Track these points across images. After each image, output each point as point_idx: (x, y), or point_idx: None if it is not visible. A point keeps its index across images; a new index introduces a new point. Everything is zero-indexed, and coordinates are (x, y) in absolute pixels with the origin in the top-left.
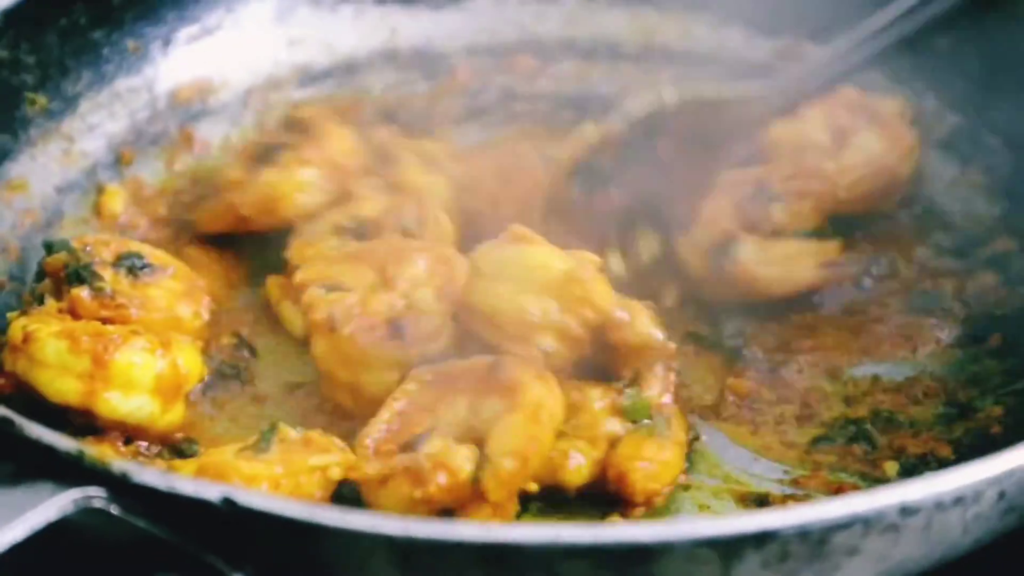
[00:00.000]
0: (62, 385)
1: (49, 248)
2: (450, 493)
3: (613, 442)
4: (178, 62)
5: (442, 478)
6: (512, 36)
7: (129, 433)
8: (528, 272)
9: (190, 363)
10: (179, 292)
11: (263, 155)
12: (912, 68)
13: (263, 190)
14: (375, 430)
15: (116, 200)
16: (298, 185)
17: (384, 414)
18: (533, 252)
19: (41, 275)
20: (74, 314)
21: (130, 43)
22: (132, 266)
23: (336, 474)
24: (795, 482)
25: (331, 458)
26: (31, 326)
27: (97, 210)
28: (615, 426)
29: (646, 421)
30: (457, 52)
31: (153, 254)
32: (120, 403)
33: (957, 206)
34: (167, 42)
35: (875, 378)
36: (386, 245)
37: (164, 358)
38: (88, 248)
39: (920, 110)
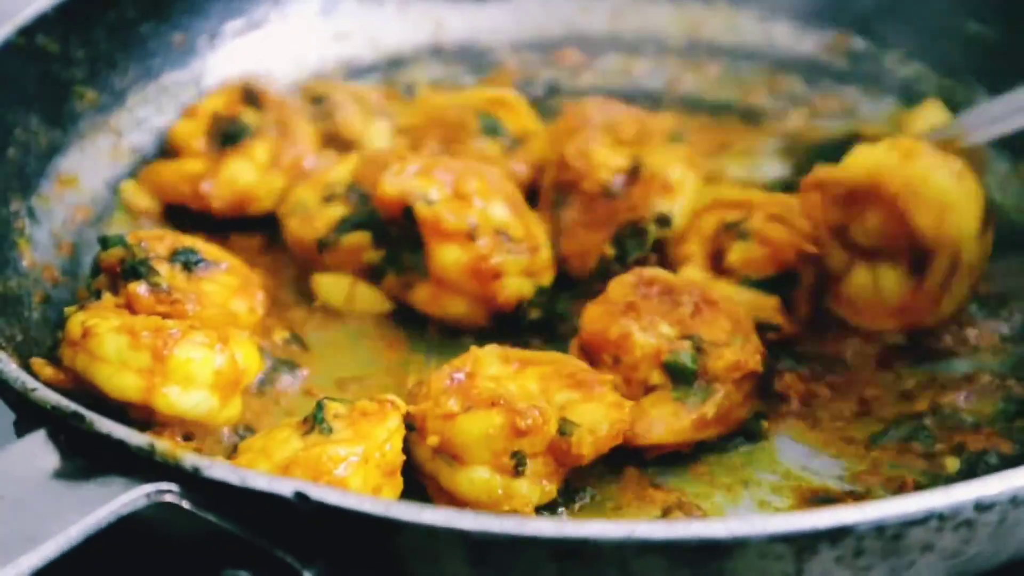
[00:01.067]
0: (121, 381)
1: (104, 243)
2: (535, 437)
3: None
4: (224, 56)
5: (532, 419)
6: (558, 30)
7: (187, 429)
8: None
9: (248, 358)
10: (234, 287)
11: (225, 135)
12: (962, 59)
13: (236, 189)
14: (447, 374)
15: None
16: (270, 190)
17: (452, 369)
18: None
19: (97, 270)
20: (131, 309)
21: (177, 37)
22: (187, 261)
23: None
24: (854, 478)
25: (394, 422)
26: (90, 321)
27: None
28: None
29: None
30: (503, 46)
31: (207, 249)
32: (179, 398)
33: (1011, 200)
34: (213, 36)
35: (932, 374)
36: (453, 161)
37: (223, 353)
38: (143, 244)
39: (971, 101)
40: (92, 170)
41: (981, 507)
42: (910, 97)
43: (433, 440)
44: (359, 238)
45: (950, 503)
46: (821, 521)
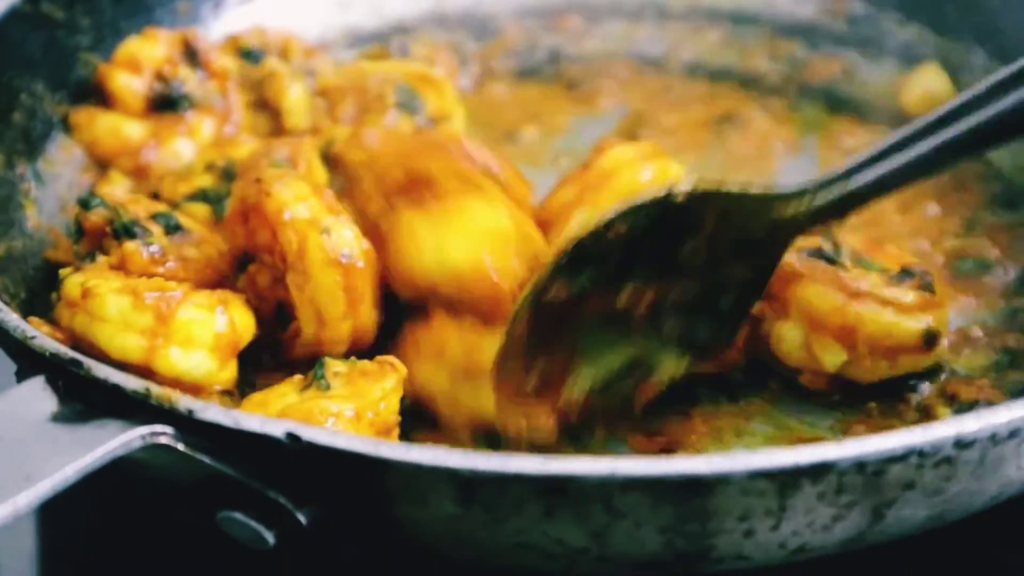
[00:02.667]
0: (123, 341)
1: (85, 204)
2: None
3: None
4: (228, 23)
5: None
6: None
7: (184, 391)
8: None
9: (244, 321)
10: (215, 254)
11: (165, 99)
12: (960, 21)
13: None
14: None
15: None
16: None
17: None
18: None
19: (80, 232)
20: (124, 269)
21: (181, 4)
22: (167, 225)
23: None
24: (848, 428)
25: (391, 382)
26: (90, 282)
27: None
28: None
29: None
30: (505, 13)
31: (182, 217)
32: (180, 360)
33: (1007, 159)
34: (217, 3)
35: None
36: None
37: (224, 315)
38: (123, 206)
39: (969, 63)
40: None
41: (961, 444)
42: (909, 59)
43: None
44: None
45: (929, 440)
46: (802, 457)
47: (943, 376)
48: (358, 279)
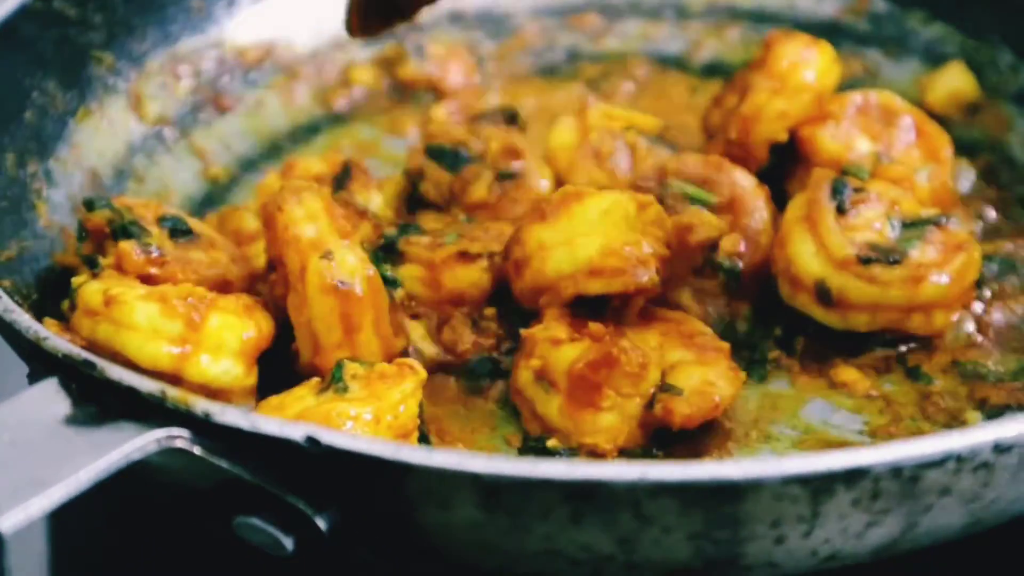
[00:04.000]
0: (154, 349)
1: (90, 206)
2: (627, 378)
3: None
4: (242, 22)
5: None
6: None
7: (210, 397)
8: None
9: (267, 326)
10: (221, 258)
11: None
12: (987, 20)
13: None
14: None
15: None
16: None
17: None
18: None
19: (85, 235)
20: (119, 269)
21: (195, 2)
22: (175, 228)
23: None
24: (875, 432)
25: (410, 385)
26: (114, 289)
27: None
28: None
29: None
30: (522, 12)
31: (192, 221)
32: (210, 366)
33: None
34: (231, 2)
35: (954, 327)
36: None
37: (250, 320)
38: (130, 209)
39: (996, 63)
40: (109, 134)
41: (1000, 449)
42: (934, 58)
43: (535, 363)
44: None
45: (968, 444)
46: (836, 462)
47: (970, 376)
48: (355, 308)
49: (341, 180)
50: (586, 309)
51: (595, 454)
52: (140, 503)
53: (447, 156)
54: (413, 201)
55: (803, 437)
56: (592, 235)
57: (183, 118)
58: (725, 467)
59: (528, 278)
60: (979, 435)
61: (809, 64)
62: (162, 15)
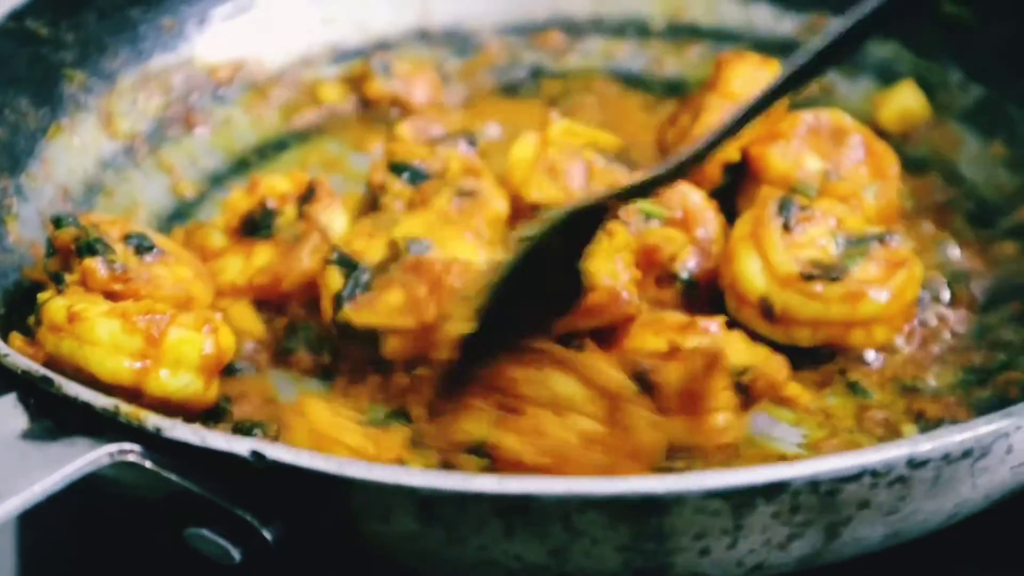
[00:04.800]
0: (115, 364)
1: (57, 223)
2: None
3: None
4: (213, 40)
5: None
6: (542, 14)
7: (170, 410)
8: None
9: (226, 341)
10: (185, 274)
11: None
12: (938, 40)
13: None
14: None
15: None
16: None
17: None
18: None
19: (52, 251)
20: (84, 285)
21: (166, 21)
22: (140, 245)
23: None
24: (813, 445)
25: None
26: (77, 306)
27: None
28: None
29: None
30: (487, 29)
31: (158, 238)
32: (169, 381)
33: (981, 176)
34: (202, 20)
35: (895, 343)
36: None
37: (210, 336)
38: (97, 226)
39: (945, 82)
40: (80, 150)
41: (914, 464)
42: (886, 77)
43: None
44: None
45: (883, 459)
46: (756, 477)
47: (908, 389)
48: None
49: (306, 198)
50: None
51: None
52: (99, 513)
53: (409, 172)
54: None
55: (743, 450)
56: None
57: (152, 134)
58: (649, 482)
59: None
60: (893, 451)
61: (760, 84)
62: (134, 33)
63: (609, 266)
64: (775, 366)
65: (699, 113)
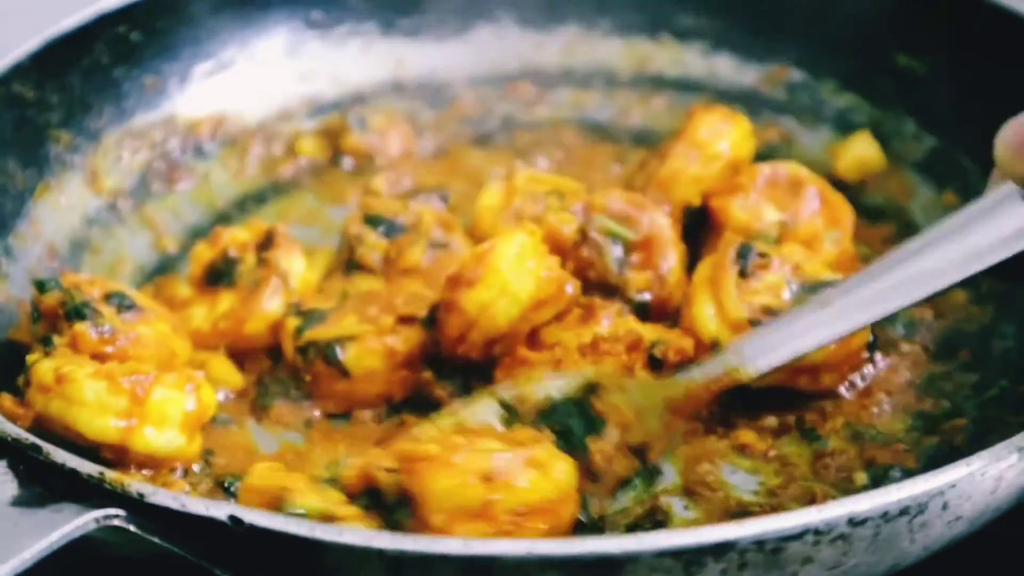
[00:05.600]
0: (102, 423)
1: (41, 287)
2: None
3: None
4: (194, 96)
5: None
6: (513, 65)
7: (154, 465)
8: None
9: (208, 397)
10: (165, 330)
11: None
12: (893, 91)
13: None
14: None
15: None
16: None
17: None
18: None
19: (38, 315)
20: (74, 348)
21: (148, 79)
22: (121, 304)
23: None
24: (769, 493)
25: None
26: (65, 368)
27: None
28: None
29: None
30: (460, 82)
31: (136, 295)
32: (154, 438)
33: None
34: (184, 78)
35: (848, 390)
36: None
37: (192, 394)
38: (77, 287)
39: (900, 133)
40: (67, 208)
41: (854, 522)
42: (844, 127)
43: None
44: None
45: (824, 519)
46: (704, 537)
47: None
48: None
49: (264, 245)
50: None
51: None
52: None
53: (383, 224)
54: (349, 266)
55: (704, 494)
56: (520, 276)
57: (136, 190)
58: (605, 542)
59: (478, 337)
60: (834, 510)
61: (724, 135)
62: (117, 92)
63: (545, 260)
64: (679, 334)
65: (665, 158)
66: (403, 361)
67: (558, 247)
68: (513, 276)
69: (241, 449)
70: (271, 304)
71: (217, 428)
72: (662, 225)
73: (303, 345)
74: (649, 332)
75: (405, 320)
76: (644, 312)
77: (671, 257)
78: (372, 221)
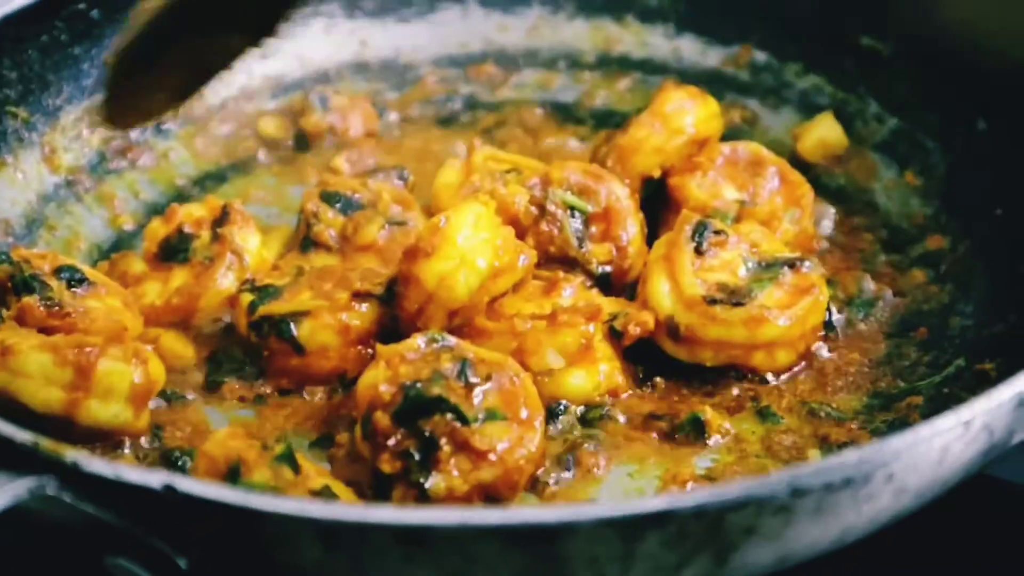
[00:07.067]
0: (46, 395)
1: None
2: None
3: None
4: None
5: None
6: (477, 47)
7: (101, 438)
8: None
9: (156, 371)
10: (118, 305)
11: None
12: (856, 73)
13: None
14: None
15: None
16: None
17: None
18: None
19: None
20: (20, 321)
21: (110, 58)
22: (71, 279)
23: None
24: (723, 469)
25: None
26: (9, 340)
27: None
28: None
29: None
30: (424, 63)
31: (87, 270)
32: (100, 410)
33: (894, 205)
34: None
35: (804, 368)
36: None
37: (140, 367)
38: (28, 261)
39: (863, 114)
40: (22, 185)
41: (797, 493)
42: (808, 109)
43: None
44: None
45: (766, 489)
46: (643, 507)
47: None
48: None
49: (220, 221)
50: None
51: None
52: (19, 545)
53: (340, 201)
54: (306, 243)
55: (651, 473)
56: (476, 246)
57: (94, 168)
58: (541, 512)
59: (438, 309)
60: (776, 480)
61: (690, 112)
62: (77, 70)
63: (501, 230)
64: (638, 308)
65: (628, 127)
66: (357, 337)
67: (511, 219)
68: (469, 246)
69: (191, 425)
70: (225, 280)
71: (169, 404)
72: (620, 195)
73: (257, 320)
74: (610, 305)
75: (360, 296)
76: (606, 284)
77: (631, 228)
78: (329, 198)
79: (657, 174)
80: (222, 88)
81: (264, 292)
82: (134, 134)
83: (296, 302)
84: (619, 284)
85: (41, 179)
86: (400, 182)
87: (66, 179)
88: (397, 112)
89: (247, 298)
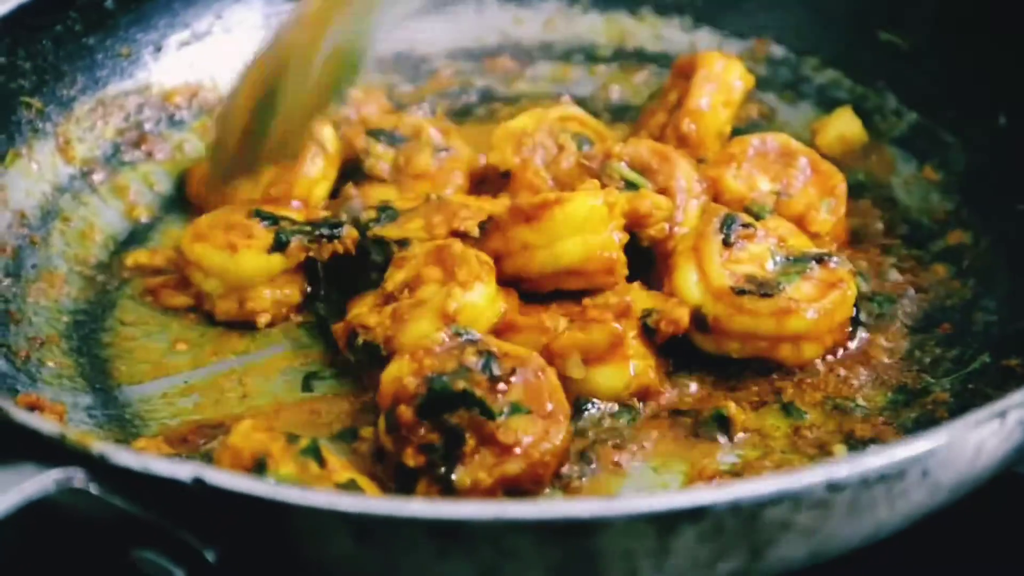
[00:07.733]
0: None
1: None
2: None
3: None
4: (169, 66)
5: None
6: (492, 40)
7: None
8: None
9: None
10: None
11: None
12: (874, 67)
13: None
14: None
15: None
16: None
17: None
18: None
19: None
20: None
21: (123, 48)
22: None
23: None
24: (748, 465)
25: None
26: None
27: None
28: None
29: None
30: (439, 55)
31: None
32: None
33: (914, 200)
34: (159, 47)
35: (830, 364)
36: None
37: None
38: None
39: (881, 109)
40: (37, 176)
41: (833, 488)
42: (826, 103)
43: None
44: None
45: (803, 484)
46: (679, 502)
47: (840, 409)
48: None
49: None
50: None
51: None
52: (40, 538)
53: (384, 135)
54: (359, 175)
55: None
56: (573, 240)
57: (108, 160)
58: (576, 506)
59: (508, 268)
60: (813, 475)
61: (732, 68)
62: (91, 61)
63: (608, 236)
64: (674, 305)
65: (687, 95)
66: None
67: (637, 223)
68: (565, 233)
69: None
70: (312, 169)
71: None
72: (682, 180)
73: (373, 240)
74: (644, 300)
75: (456, 234)
76: (650, 260)
77: (691, 206)
78: (375, 134)
79: (729, 130)
80: (235, 78)
81: (383, 213)
82: (148, 125)
83: (406, 229)
84: (661, 267)
85: (56, 170)
86: (431, 113)
87: (81, 170)
88: (411, 106)
89: (368, 215)
